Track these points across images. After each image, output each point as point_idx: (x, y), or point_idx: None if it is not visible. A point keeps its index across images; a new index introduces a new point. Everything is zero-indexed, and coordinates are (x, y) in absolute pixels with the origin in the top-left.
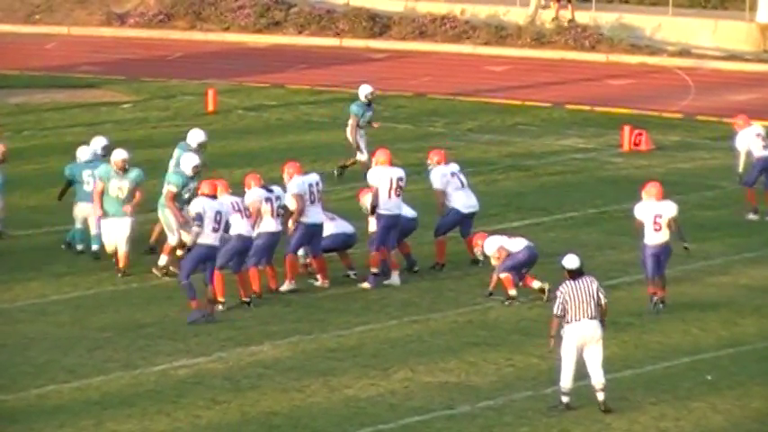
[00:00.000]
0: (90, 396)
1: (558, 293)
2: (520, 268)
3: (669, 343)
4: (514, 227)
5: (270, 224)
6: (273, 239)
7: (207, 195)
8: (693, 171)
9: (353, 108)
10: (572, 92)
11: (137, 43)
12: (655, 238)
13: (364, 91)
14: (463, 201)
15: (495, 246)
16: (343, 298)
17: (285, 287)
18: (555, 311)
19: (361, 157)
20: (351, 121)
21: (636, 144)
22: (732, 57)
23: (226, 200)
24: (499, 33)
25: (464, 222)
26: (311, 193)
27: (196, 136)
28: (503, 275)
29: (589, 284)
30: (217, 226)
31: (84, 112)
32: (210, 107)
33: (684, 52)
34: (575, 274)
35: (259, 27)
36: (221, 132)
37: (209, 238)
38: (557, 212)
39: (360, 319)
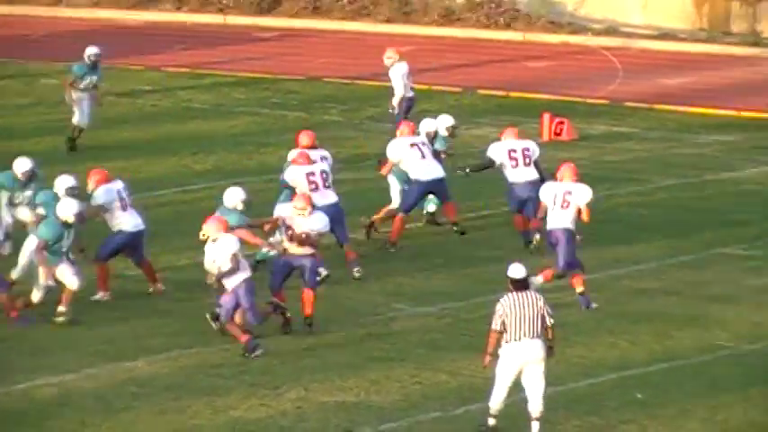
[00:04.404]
0: None
1: (499, 306)
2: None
3: (594, 357)
4: (419, 226)
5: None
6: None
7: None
8: (622, 164)
9: (74, 68)
10: (485, 75)
11: None
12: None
13: (88, 52)
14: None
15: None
16: None
17: (97, 297)
18: (494, 326)
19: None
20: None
21: (557, 133)
22: (664, 35)
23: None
24: (403, 9)
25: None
26: (121, 199)
27: (22, 165)
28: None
29: (535, 300)
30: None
31: None
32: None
33: (611, 30)
34: (519, 286)
35: (133, 2)
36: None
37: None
38: (467, 211)
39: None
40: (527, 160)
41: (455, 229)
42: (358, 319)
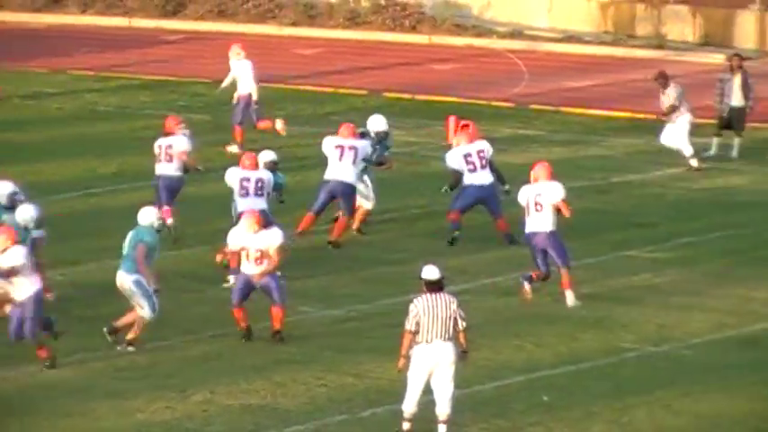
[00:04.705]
0: None
1: (412, 307)
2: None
3: (500, 360)
4: (327, 229)
5: None
6: None
7: None
8: (528, 167)
9: None
10: (391, 78)
11: None
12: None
13: None
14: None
15: None
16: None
17: None
18: (407, 327)
19: None
20: None
21: None
22: (569, 38)
23: None
24: (309, 12)
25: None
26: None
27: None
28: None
29: (448, 302)
30: None
31: None
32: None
33: (516, 33)
34: (433, 288)
35: (37, 5)
36: None
37: None
38: (374, 213)
39: (153, 335)
40: (483, 162)
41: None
42: (263, 322)
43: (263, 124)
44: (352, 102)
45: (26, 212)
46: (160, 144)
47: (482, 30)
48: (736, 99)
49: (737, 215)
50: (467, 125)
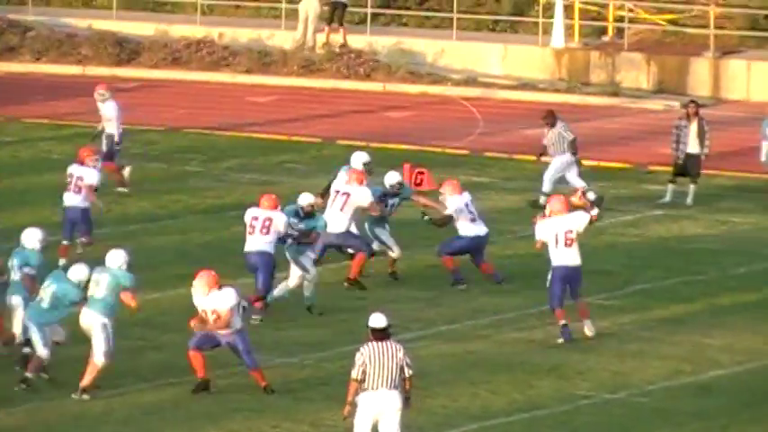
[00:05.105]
0: None
1: (359, 355)
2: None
3: (455, 407)
4: (283, 276)
5: None
6: None
7: None
8: (482, 214)
9: None
10: (345, 126)
11: None
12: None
13: None
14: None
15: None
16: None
17: None
18: (353, 375)
19: None
20: None
21: (417, 184)
22: (524, 85)
23: None
24: (263, 60)
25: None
26: None
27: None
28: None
29: (395, 350)
30: None
31: None
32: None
33: (471, 81)
34: (380, 335)
35: None
36: None
37: None
38: (329, 262)
39: (109, 382)
40: (478, 212)
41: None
42: (219, 370)
43: (110, 167)
44: (306, 150)
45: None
46: (72, 172)
47: (437, 77)
48: (692, 146)
49: (692, 262)
50: (422, 172)
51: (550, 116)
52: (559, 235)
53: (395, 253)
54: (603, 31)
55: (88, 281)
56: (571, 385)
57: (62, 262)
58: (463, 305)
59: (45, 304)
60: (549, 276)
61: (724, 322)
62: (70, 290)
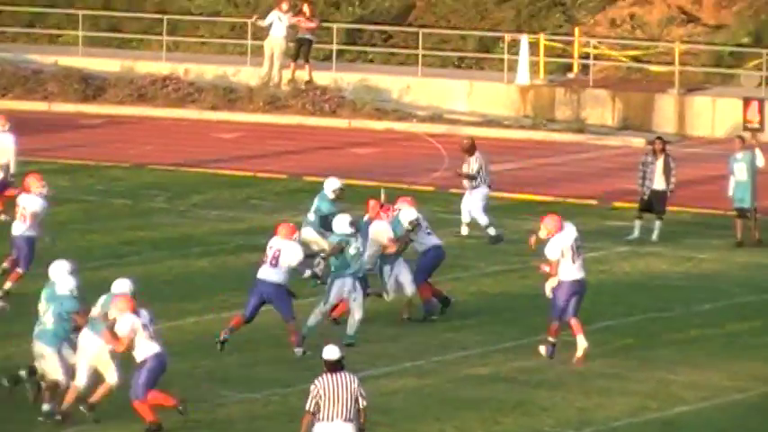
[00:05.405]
0: None
1: (313, 387)
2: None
3: None
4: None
5: None
6: None
7: None
8: (447, 249)
9: None
10: (311, 162)
11: None
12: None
13: None
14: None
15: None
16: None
17: None
18: (307, 407)
19: None
20: None
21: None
22: (489, 122)
23: None
24: (228, 96)
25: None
26: None
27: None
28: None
29: (349, 382)
30: None
31: None
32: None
33: (436, 117)
34: (334, 368)
35: None
36: None
37: None
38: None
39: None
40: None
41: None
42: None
43: (10, 192)
44: (271, 186)
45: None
46: (18, 203)
47: (402, 113)
48: (658, 182)
49: (657, 298)
50: (387, 209)
51: (471, 146)
52: (565, 250)
53: (388, 297)
54: (569, 67)
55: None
56: (536, 422)
57: (8, 285)
58: (428, 341)
59: (50, 325)
60: (552, 290)
61: (689, 358)
62: (66, 301)
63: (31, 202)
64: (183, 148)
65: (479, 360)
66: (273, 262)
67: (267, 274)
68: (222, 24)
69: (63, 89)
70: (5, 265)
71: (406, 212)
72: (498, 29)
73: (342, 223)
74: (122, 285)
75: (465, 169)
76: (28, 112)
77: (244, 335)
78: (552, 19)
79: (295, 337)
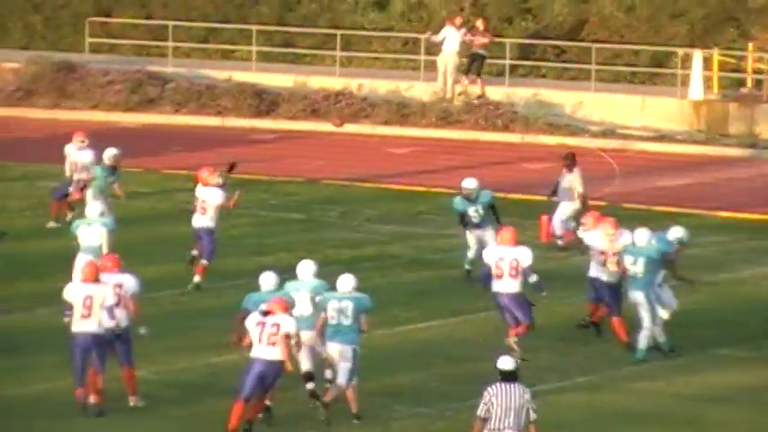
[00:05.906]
0: None
1: (486, 393)
2: None
3: None
4: (419, 327)
5: None
6: None
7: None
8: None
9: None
10: (483, 177)
11: None
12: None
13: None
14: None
15: None
16: None
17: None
18: (478, 412)
19: None
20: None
21: (554, 235)
22: (662, 137)
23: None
24: (401, 111)
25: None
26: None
27: None
28: None
29: (521, 393)
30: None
31: None
32: (76, 195)
33: (609, 132)
34: (508, 378)
35: (131, 105)
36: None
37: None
38: (466, 312)
39: None
40: (513, 272)
41: None
42: (353, 420)
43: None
44: (444, 201)
45: None
46: (197, 196)
47: (575, 129)
48: None
49: None
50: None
51: (571, 159)
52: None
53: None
54: (742, 82)
55: None
56: None
57: (197, 279)
58: (600, 356)
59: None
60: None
61: None
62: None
63: (210, 195)
64: (355, 162)
65: (651, 375)
66: (513, 273)
67: (505, 285)
68: (395, 39)
69: (236, 104)
70: (194, 252)
71: (675, 230)
72: (671, 44)
73: None
74: (269, 280)
75: (565, 183)
76: (202, 128)
77: (415, 351)
78: (726, 34)
79: (522, 330)
